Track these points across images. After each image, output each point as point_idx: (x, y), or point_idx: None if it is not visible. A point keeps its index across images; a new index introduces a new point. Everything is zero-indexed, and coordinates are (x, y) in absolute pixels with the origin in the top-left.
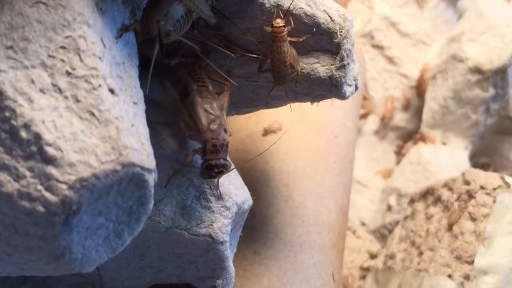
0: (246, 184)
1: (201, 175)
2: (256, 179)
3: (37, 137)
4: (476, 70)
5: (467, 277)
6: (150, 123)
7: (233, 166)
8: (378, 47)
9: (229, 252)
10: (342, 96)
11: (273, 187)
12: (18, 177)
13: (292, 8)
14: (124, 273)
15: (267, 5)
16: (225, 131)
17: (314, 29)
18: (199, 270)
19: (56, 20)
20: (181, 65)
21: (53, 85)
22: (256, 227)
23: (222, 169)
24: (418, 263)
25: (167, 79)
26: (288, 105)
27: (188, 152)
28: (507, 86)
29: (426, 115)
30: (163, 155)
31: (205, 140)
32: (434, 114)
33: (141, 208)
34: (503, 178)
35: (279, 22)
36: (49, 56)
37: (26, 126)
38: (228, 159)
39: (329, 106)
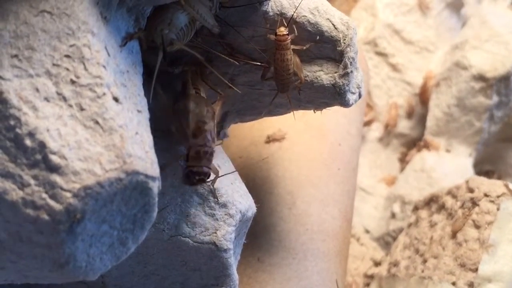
0: (250, 191)
1: (183, 181)
2: (260, 187)
3: (42, 145)
4: (480, 77)
5: (471, 285)
6: (154, 130)
7: (235, 170)
8: (381, 54)
9: (233, 260)
10: (345, 104)
11: (277, 195)
12: (22, 185)
13: (295, 16)
14: (128, 281)
15: (271, 14)
16: (213, 140)
17: (318, 37)
18: (203, 277)
19: (60, 29)
20: (184, 73)
21: (58, 93)
22: (260, 235)
23: (203, 177)
24: (422, 271)
25: (159, 84)
26: (291, 112)
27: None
28: (511, 93)
29: (430, 122)
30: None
31: (190, 146)
32: (438, 121)
33: (145, 216)
34: (507, 186)
35: (283, 30)
36: (54, 64)
37: (31, 135)
38: (214, 166)
39: (332, 114)
